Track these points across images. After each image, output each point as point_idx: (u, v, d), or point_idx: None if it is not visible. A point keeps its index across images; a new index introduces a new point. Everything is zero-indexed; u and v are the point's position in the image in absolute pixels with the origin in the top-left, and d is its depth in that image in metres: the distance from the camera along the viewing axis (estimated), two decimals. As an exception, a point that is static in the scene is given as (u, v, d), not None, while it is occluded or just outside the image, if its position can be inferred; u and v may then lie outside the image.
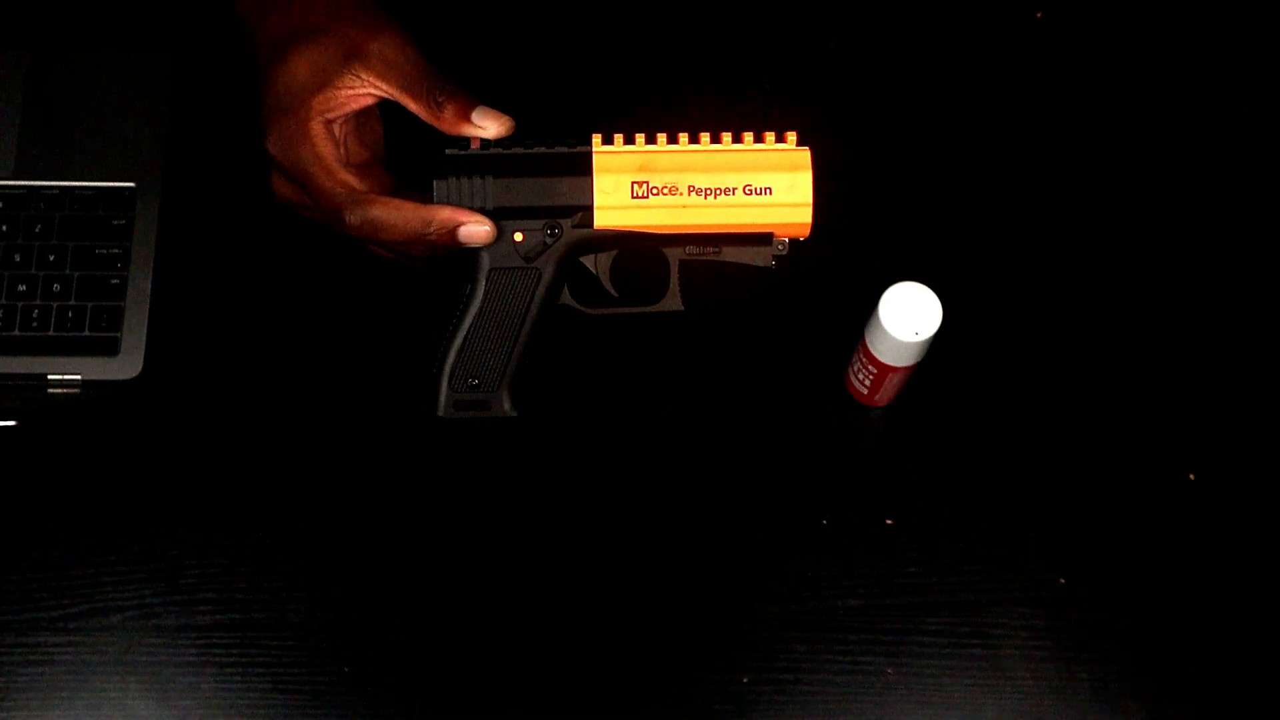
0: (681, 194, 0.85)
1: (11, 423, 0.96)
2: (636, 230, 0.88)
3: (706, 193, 0.85)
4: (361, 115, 0.91)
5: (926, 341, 0.93)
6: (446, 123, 0.89)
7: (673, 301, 0.90)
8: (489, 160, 0.88)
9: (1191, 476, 0.98)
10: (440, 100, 0.88)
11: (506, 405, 0.91)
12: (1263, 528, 0.97)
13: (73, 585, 0.92)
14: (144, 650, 0.91)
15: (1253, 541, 0.97)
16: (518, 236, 0.88)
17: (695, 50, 1.08)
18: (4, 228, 1.00)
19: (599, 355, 0.98)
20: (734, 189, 0.84)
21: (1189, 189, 1.06)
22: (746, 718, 0.92)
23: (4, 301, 0.98)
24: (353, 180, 0.88)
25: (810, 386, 0.99)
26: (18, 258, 0.99)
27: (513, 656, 0.92)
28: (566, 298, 0.91)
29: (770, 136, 0.86)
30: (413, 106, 0.89)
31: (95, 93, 1.03)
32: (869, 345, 0.94)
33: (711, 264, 0.90)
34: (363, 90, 0.89)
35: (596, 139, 0.88)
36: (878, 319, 0.92)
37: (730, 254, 0.88)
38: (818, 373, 0.99)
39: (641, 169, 0.86)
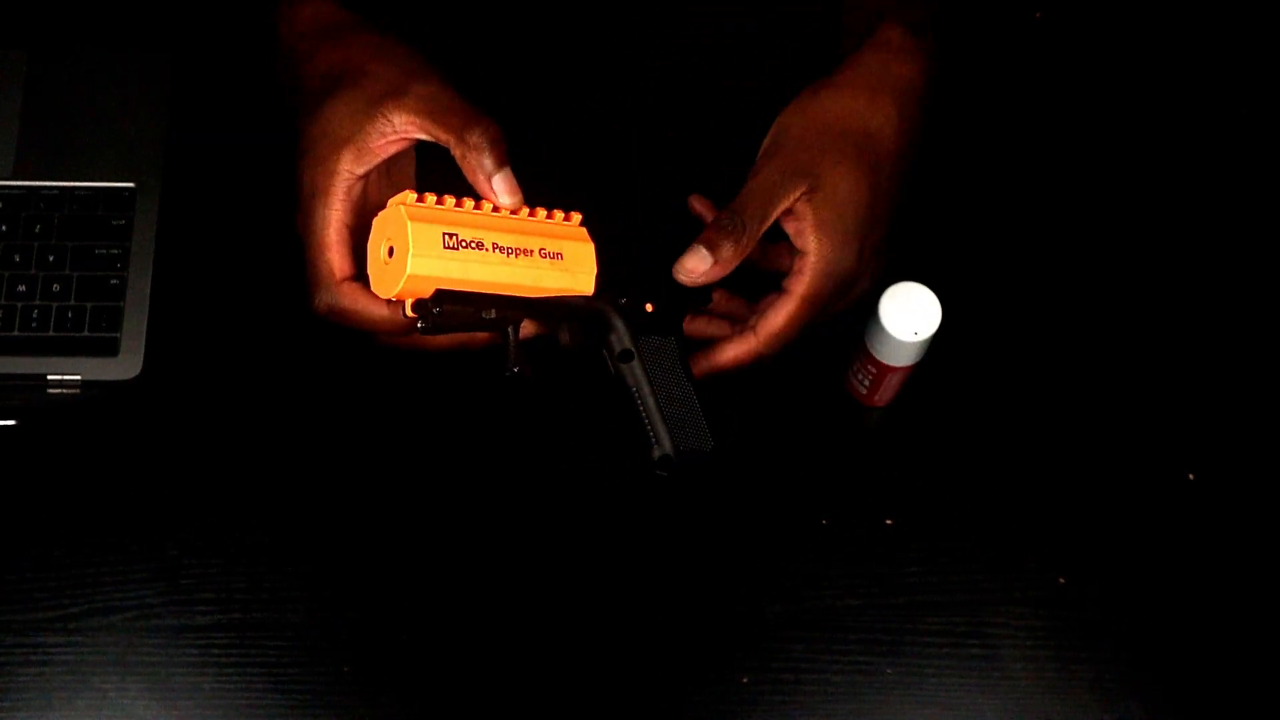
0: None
1: (11, 422, 0.96)
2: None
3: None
4: (392, 156, 0.89)
5: (926, 341, 0.93)
6: (469, 164, 0.87)
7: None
8: None
9: (1191, 476, 0.98)
10: (472, 141, 0.86)
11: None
12: (1263, 528, 0.97)
13: (73, 585, 0.92)
14: (144, 650, 0.91)
15: (1253, 541, 0.97)
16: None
17: (695, 48, 1.08)
18: (4, 228, 1.00)
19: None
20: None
21: (1189, 189, 1.06)
22: (746, 718, 0.92)
23: (4, 301, 0.98)
24: (336, 262, 0.87)
25: (810, 386, 0.99)
26: (17, 258, 0.99)
27: (513, 656, 0.92)
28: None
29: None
30: (443, 139, 0.87)
31: (95, 93, 1.03)
32: (869, 345, 0.94)
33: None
34: (394, 136, 0.87)
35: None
36: (878, 319, 0.92)
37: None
38: (818, 373, 0.99)
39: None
